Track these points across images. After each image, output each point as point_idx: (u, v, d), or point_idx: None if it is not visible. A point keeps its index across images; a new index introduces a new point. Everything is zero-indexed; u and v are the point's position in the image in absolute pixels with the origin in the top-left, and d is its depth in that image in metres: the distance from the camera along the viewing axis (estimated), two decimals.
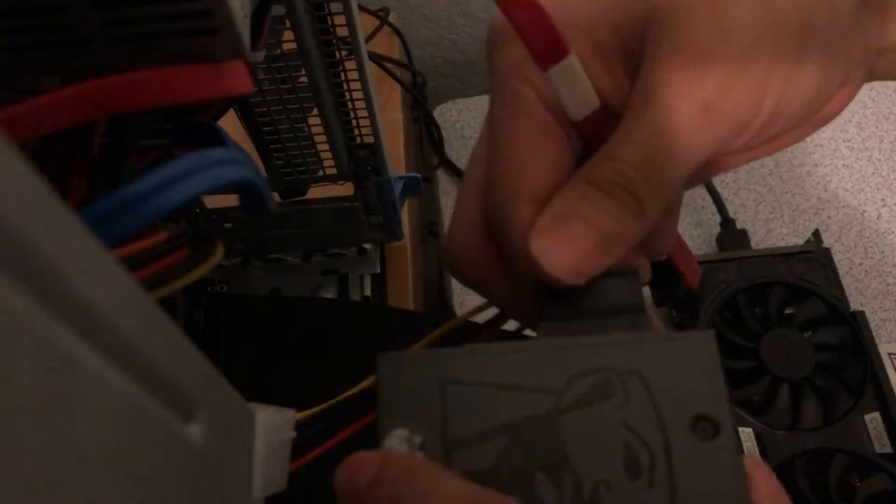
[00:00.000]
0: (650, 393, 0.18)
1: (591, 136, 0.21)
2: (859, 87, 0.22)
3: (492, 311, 0.25)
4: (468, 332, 0.26)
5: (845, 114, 0.63)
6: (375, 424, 0.19)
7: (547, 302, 0.20)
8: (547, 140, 0.21)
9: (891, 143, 0.62)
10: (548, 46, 0.18)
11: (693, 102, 0.19)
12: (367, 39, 0.61)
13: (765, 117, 0.20)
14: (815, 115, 0.22)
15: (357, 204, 0.44)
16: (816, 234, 0.53)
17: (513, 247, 0.21)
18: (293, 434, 0.24)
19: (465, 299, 0.57)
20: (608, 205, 0.19)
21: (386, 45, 0.64)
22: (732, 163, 0.23)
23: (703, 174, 0.23)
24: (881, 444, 0.44)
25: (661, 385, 0.18)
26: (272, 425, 0.22)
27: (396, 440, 0.18)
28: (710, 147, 0.20)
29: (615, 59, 0.21)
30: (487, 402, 0.18)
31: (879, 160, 0.61)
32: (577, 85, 0.19)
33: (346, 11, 0.31)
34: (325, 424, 0.25)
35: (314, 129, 0.38)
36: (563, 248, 0.19)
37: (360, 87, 0.35)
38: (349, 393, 0.25)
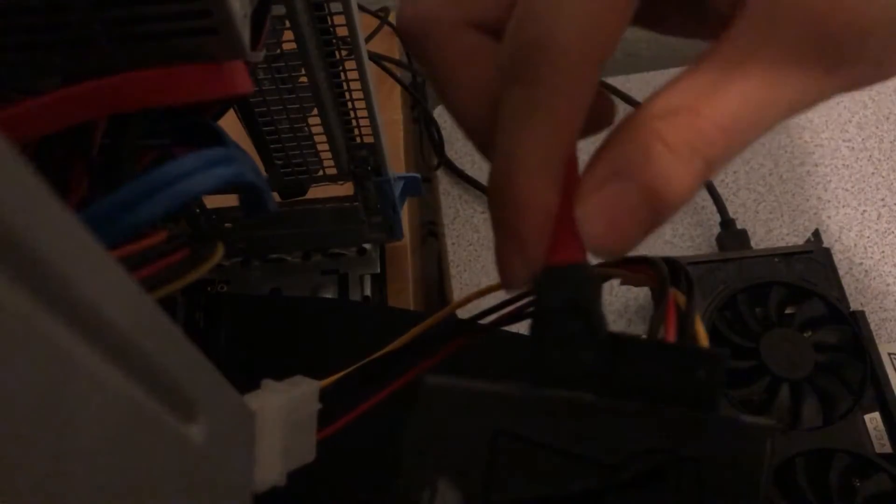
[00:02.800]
0: (701, 485, 0.16)
1: None
2: None
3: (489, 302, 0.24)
4: (466, 330, 0.26)
5: (845, 114, 0.63)
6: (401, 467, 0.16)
7: (619, 360, 0.17)
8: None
9: (891, 143, 0.62)
10: None
11: (812, 65, 0.16)
12: (367, 39, 0.61)
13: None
14: None
15: (357, 204, 0.44)
16: (816, 234, 0.53)
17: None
18: (318, 406, 0.23)
19: None
20: (674, 169, 0.16)
21: (386, 45, 0.64)
22: None
23: None
24: (881, 444, 0.44)
25: (712, 479, 0.16)
26: (292, 402, 0.22)
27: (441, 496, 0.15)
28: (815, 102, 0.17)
29: None
30: (540, 467, 0.16)
31: (879, 160, 0.61)
32: None
33: (346, 11, 0.31)
34: (349, 389, 0.24)
35: (314, 129, 0.38)
36: (609, 218, 0.16)
37: (360, 87, 0.35)
38: (375, 356, 0.25)
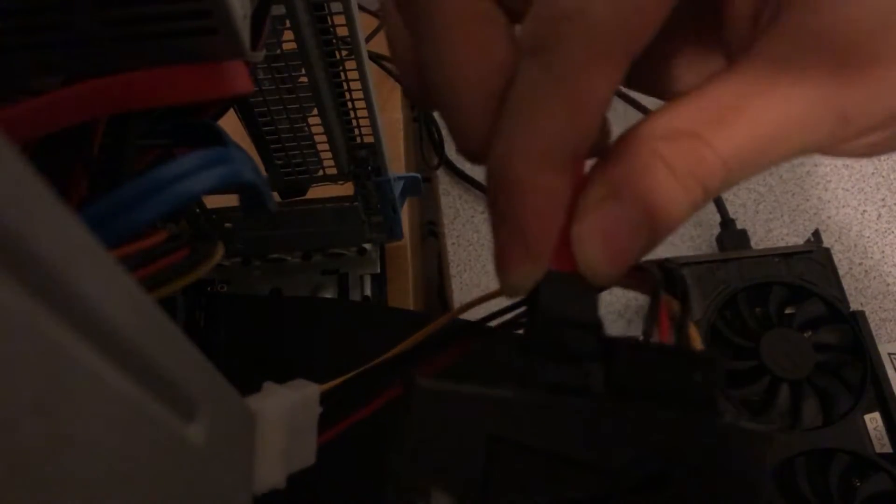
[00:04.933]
0: (700, 491, 0.16)
1: None
2: None
3: (493, 308, 0.24)
4: (469, 332, 0.26)
5: None
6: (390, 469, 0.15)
7: (615, 364, 0.17)
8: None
9: None
10: None
11: (833, 109, 0.15)
12: (367, 39, 0.61)
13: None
14: None
15: (357, 204, 0.44)
16: (816, 234, 0.53)
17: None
18: (319, 409, 0.23)
19: (465, 299, 0.57)
20: (675, 195, 0.15)
21: (386, 45, 0.64)
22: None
23: None
24: (881, 444, 0.44)
25: (712, 485, 0.16)
26: (294, 405, 0.22)
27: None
28: (827, 151, 0.16)
29: None
30: (538, 473, 0.15)
31: (879, 160, 0.61)
32: None
33: (346, 11, 0.31)
34: (350, 393, 0.24)
35: (314, 129, 0.38)
36: (605, 239, 0.16)
37: (360, 87, 0.35)
38: (376, 361, 0.25)
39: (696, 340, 0.18)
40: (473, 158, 0.17)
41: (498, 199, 0.16)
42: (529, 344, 0.17)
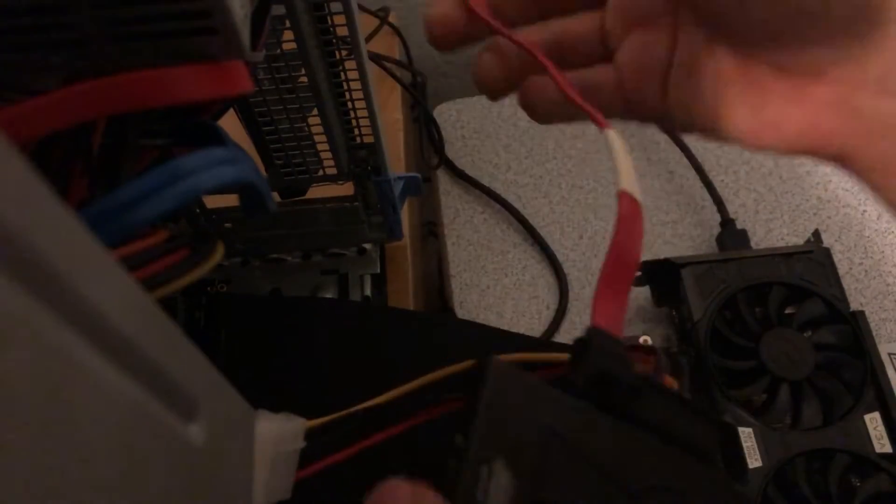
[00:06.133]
0: None
1: None
2: None
3: None
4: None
5: None
6: (466, 432, 0.16)
7: (646, 400, 0.18)
8: None
9: None
10: None
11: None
12: (367, 39, 0.61)
13: None
14: None
15: (357, 204, 0.44)
16: (816, 234, 0.53)
17: None
18: (302, 444, 0.23)
19: (464, 299, 0.57)
20: None
21: (386, 45, 0.64)
22: None
23: None
24: (881, 444, 0.44)
25: None
26: (282, 435, 0.22)
27: (496, 477, 0.16)
28: None
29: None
30: (579, 474, 0.17)
31: None
32: None
33: (346, 11, 0.31)
34: (334, 435, 0.25)
35: (314, 129, 0.38)
36: None
37: (360, 87, 0.35)
38: (361, 406, 0.25)
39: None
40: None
41: None
42: (582, 389, 0.18)
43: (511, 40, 0.24)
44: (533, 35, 0.25)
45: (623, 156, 0.18)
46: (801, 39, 0.20)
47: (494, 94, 0.27)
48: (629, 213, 0.18)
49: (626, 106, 0.25)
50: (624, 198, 0.18)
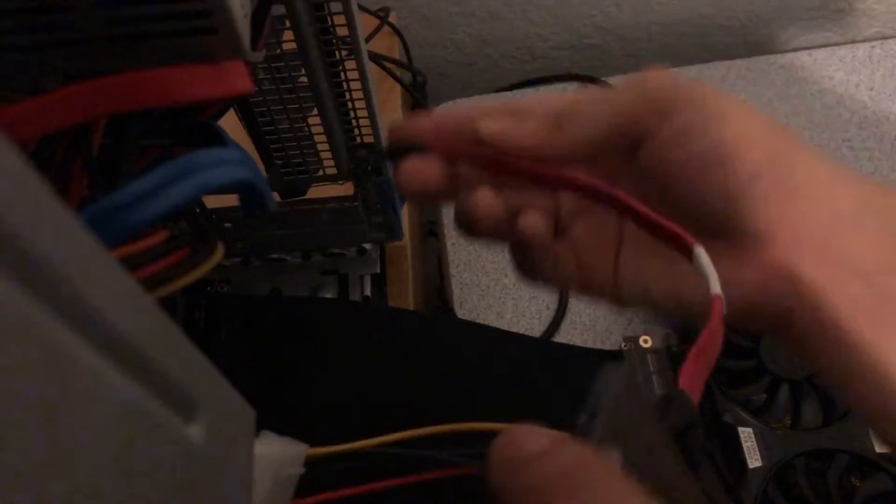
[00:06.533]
0: None
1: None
2: None
3: None
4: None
5: (845, 114, 0.63)
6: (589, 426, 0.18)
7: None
8: None
9: (891, 143, 0.62)
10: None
11: None
12: (367, 39, 0.61)
13: None
14: None
15: (357, 204, 0.44)
16: None
17: None
18: (302, 470, 0.23)
19: (464, 299, 0.57)
20: None
21: (386, 45, 0.64)
22: None
23: None
24: (881, 444, 0.44)
25: None
26: (282, 459, 0.22)
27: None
28: None
29: None
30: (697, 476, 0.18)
31: (879, 160, 0.61)
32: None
33: (346, 11, 0.31)
34: (336, 467, 0.25)
35: (314, 129, 0.38)
36: None
37: (360, 87, 0.35)
38: (366, 442, 0.25)
39: None
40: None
41: None
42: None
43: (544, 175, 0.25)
44: (489, 200, 0.26)
45: (711, 267, 0.22)
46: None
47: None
48: (720, 313, 0.21)
49: (581, 281, 0.26)
50: (717, 302, 0.21)
